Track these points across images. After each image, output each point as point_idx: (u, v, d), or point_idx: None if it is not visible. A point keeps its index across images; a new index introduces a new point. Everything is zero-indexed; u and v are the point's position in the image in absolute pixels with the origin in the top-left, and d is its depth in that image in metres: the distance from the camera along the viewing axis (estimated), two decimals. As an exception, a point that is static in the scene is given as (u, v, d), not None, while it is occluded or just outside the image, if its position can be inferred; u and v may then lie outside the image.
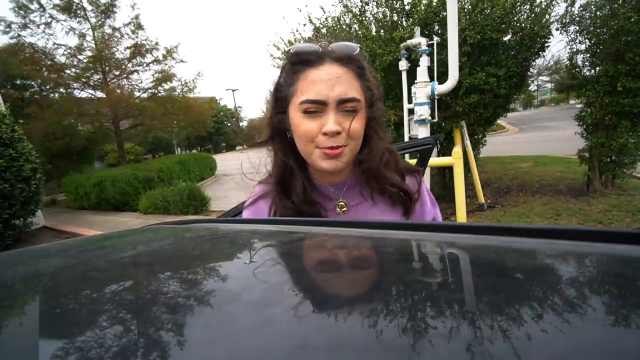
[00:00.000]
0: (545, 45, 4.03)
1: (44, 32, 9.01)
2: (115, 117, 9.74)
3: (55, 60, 9.30)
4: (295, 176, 0.66)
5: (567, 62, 4.33)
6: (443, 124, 4.03)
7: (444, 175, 4.88)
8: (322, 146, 0.59)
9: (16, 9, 8.51)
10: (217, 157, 15.00)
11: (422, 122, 3.43)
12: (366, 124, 0.63)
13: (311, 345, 0.20)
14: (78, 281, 0.38)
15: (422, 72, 3.43)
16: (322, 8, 4.81)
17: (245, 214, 0.74)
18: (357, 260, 0.37)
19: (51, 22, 8.99)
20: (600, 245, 0.29)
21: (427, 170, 3.43)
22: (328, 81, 0.58)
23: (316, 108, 0.59)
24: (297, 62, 0.61)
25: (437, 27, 4.08)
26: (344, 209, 0.68)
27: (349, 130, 0.59)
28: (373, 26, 4.44)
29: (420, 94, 3.39)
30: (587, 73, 4.15)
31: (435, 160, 3.10)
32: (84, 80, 9.53)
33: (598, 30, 3.82)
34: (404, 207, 0.69)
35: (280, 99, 0.64)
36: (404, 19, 4.20)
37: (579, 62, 4.19)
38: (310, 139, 0.60)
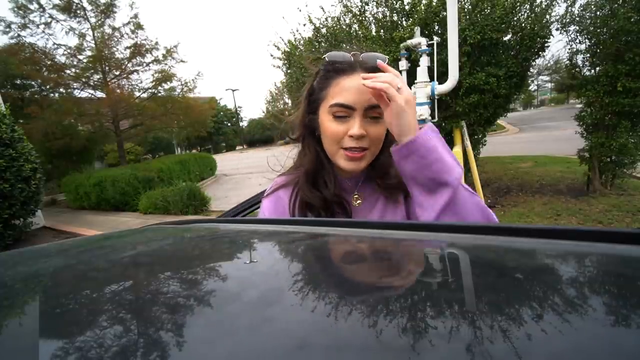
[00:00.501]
0: (545, 45, 4.03)
1: (43, 32, 9.00)
2: (115, 117, 9.73)
3: (55, 60, 9.29)
4: (326, 169, 0.73)
5: (567, 62, 4.33)
6: (443, 124, 4.03)
7: (444, 175, 4.87)
8: (346, 147, 0.66)
9: (16, 9, 8.51)
10: (217, 157, 15.01)
11: (422, 122, 3.42)
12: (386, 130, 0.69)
13: (311, 345, 0.20)
14: (78, 281, 0.38)
15: (422, 72, 3.43)
16: (322, 8, 4.81)
17: (265, 203, 0.78)
18: (357, 260, 0.37)
19: (51, 22, 8.99)
20: (600, 245, 0.29)
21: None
22: (358, 89, 0.64)
23: (345, 112, 0.65)
24: (331, 70, 0.68)
25: (437, 27, 4.08)
26: (359, 200, 0.75)
27: (373, 136, 0.65)
28: (373, 26, 4.44)
29: (420, 94, 3.39)
30: (587, 73, 4.15)
31: (435, 160, 3.09)
32: (84, 80, 9.52)
33: (598, 30, 3.82)
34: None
35: (312, 101, 0.71)
36: (404, 19, 4.20)
37: (579, 62, 4.20)
38: (337, 140, 0.66)
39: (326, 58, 0.68)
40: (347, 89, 0.64)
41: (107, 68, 9.58)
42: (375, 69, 0.65)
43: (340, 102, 0.64)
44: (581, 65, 4.19)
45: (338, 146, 0.67)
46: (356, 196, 0.75)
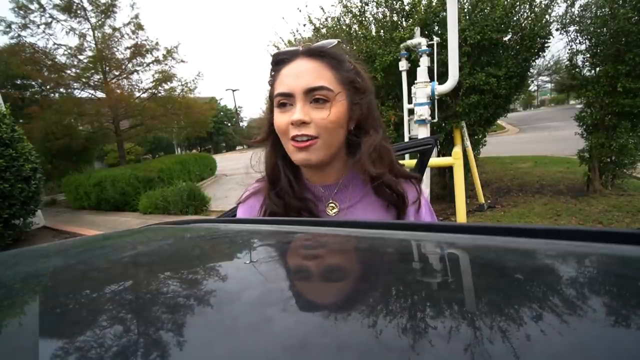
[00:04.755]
0: (545, 45, 4.02)
1: (44, 32, 9.02)
2: (115, 117, 9.73)
3: (56, 60, 9.30)
4: (282, 173, 0.67)
5: (567, 63, 4.33)
6: (443, 124, 4.03)
7: (444, 175, 4.88)
8: (291, 137, 0.61)
9: (16, 9, 8.51)
10: (217, 157, 15.01)
11: (422, 122, 3.43)
12: (350, 117, 0.64)
13: (311, 345, 0.20)
14: (78, 281, 0.38)
15: (422, 73, 3.43)
16: (322, 8, 4.81)
17: (239, 211, 0.76)
18: (356, 260, 0.37)
19: (51, 22, 9.00)
20: (600, 245, 0.29)
21: (427, 170, 3.43)
22: (295, 74, 0.61)
23: (285, 100, 0.61)
24: (274, 63, 0.65)
25: (437, 28, 4.08)
26: (335, 209, 0.68)
27: (318, 122, 0.60)
28: (373, 26, 4.44)
29: (420, 94, 3.39)
30: (587, 73, 4.15)
31: (435, 160, 3.10)
32: (84, 80, 9.53)
33: (598, 31, 3.82)
34: (397, 210, 0.69)
35: (269, 99, 0.67)
36: (403, 19, 4.20)
37: (579, 63, 4.19)
38: (283, 131, 0.62)
39: (272, 54, 0.67)
40: (285, 76, 0.62)
41: (107, 68, 9.59)
42: (319, 52, 0.62)
43: (280, 91, 0.61)
44: (581, 66, 4.19)
45: (286, 138, 0.62)
46: (332, 205, 0.68)
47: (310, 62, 0.61)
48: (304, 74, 0.60)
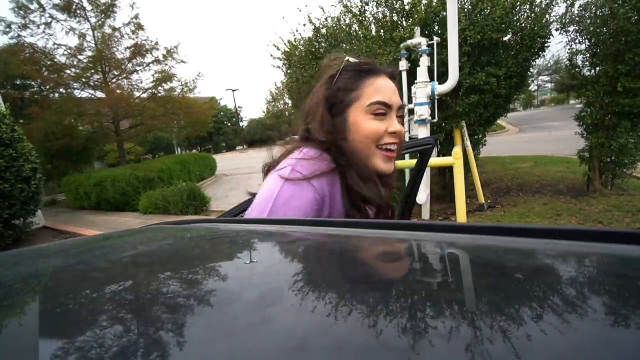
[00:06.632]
0: (545, 45, 4.03)
1: (44, 32, 9.01)
2: (115, 117, 9.73)
3: (55, 60, 9.29)
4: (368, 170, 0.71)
5: (567, 62, 4.33)
6: (443, 124, 4.03)
7: (444, 175, 4.88)
8: (385, 145, 0.66)
9: (16, 9, 8.51)
10: (217, 157, 15.01)
11: (422, 122, 3.44)
12: None
13: (311, 345, 0.20)
14: (78, 281, 0.38)
15: (422, 72, 3.43)
16: (321, 8, 4.81)
17: (288, 190, 0.61)
18: (357, 260, 0.37)
19: (51, 22, 8.99)
20: (600, 245, 0.29)
21: (427, 170, 3.43)
22: (392, 89, 0.68)
23: (384, 109, 0.66)
24: (358, 71, 0.69)
25: (437, 27, 4.08)
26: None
27: (401, 134, 0.68)
28: (373, 26, 4.44)
29: (420, 94, 3.40)
30: (587, 73, 4.15)
31: (435, 160, 3.10)
32: (84, 80, 9.52)
33: (598, 30, 3.82)
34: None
35: (338, 102, 0.68)
36: (403, 19, 4.20)
37: (579, 62, 4.19)
38: (377, 138, 0.66)
39: (352, 61, 0.70)
40: (384, 88, 0.67)
41: (107, 68, 9.59)
42: (395, 76, 0.70)
43: (381, 99, 0.66)
44: (581, 65, 4.19)
45: (374, 145, 0.67)
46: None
47: (392, 82, 0.70)
48: (395, 91, 0.68)
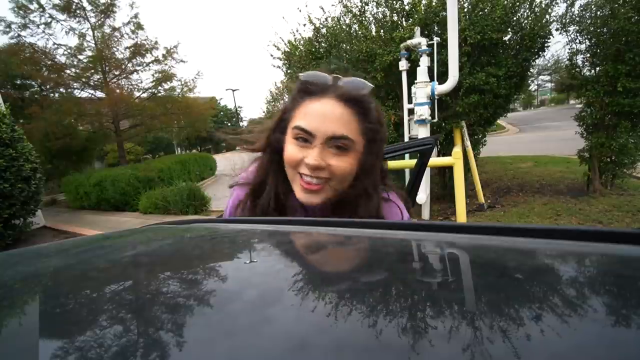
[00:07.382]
0: (545, 45, 4.03)
1: (44, 32, 9.01)
2: (115, 117, 9.73)
3: (56, 60, 9.29)
4: (266, 193, 0.68)
5: (567, 62, 4.33)
6: (443, 124, 4.04)
7: (444, 175, 4.88)
8: (302, 175, 0.60)
9: (16, 9, 8.51)
10: (217, 157, 15.00)
11: (422, 122, 3.44)
12: (361, 164, 0.63)
13: (311, 345, 0.20)
14: (78, 281, 0.38)
15: (422, 72, 3.44)
16: (322, 8, 4.81)
17: (236, 192, 0.76)
18: (357, 260, 0.37)
19: (51, 22, 8.99)
20: (600, 245, 0.29)
21: (427, 170, 3.43)
22: (322, 116, 0.59)
23: (304, 136, 0.60)
24: (302, 90, 0.63)
25: (437, 27, 4.08)
26: None
27: (334, 169, 0.59)
28: (373, 26, 4.44)
29: (420, 94, 3.40)
30: (587, 73, 4.15)
31: (435, 160, 3.10)
32: (84, 80, 9.52)
33: (598, 30, 3.82)
34: None
35: (283, 119, 0.66)
36: (403, 19, 4.21)
37: (579, 62, 4.19)
38: (293, 164, 0.61)
39: (300, 77, 0.63)
40: (312, 113, 0.59)
41: (107, 68, 9.59)
42: (351, 99, 0.59)
43: (301, 125, 0.59)
44: (581, 65, 4.19)
45: (295, 171, 0.62)
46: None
47: (339, 107, 0.59)
48: (331, 119, 0.58)
